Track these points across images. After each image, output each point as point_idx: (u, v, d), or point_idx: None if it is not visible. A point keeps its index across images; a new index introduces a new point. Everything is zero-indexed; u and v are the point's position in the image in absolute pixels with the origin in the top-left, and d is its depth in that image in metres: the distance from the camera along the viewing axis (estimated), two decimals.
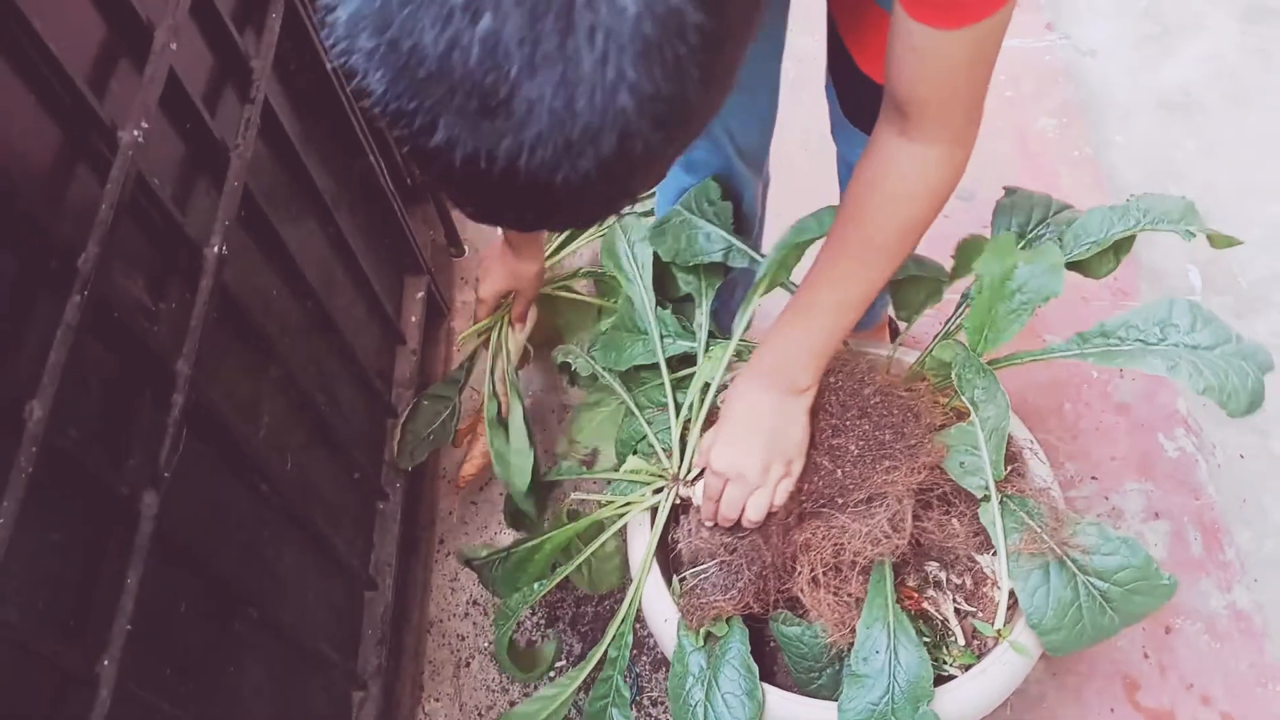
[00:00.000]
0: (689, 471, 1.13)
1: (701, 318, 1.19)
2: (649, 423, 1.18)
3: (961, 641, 1.05)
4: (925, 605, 1.06)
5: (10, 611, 0.71)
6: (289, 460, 1.19)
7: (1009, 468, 1.04)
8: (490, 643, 1.50)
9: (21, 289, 0.78)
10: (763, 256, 1.18)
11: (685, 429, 1.16)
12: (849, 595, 1.01)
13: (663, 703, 1.43)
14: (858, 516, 1.03)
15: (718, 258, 1.18)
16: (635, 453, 1.18)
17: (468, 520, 1.63)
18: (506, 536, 1.60)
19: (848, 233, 0.96)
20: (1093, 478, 1.57)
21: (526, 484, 1.30)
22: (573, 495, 1.24)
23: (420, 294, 1.72)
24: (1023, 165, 1.96)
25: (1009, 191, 1.16)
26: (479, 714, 1.44)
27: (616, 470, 1.19)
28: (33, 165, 0.82)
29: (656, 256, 1.21)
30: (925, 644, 0.99)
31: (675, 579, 1.13)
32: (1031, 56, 2.14)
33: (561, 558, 1.22)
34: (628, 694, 1.10)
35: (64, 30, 0.85)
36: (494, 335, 1.57)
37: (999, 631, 1.02)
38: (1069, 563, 0.96)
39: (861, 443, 1.06)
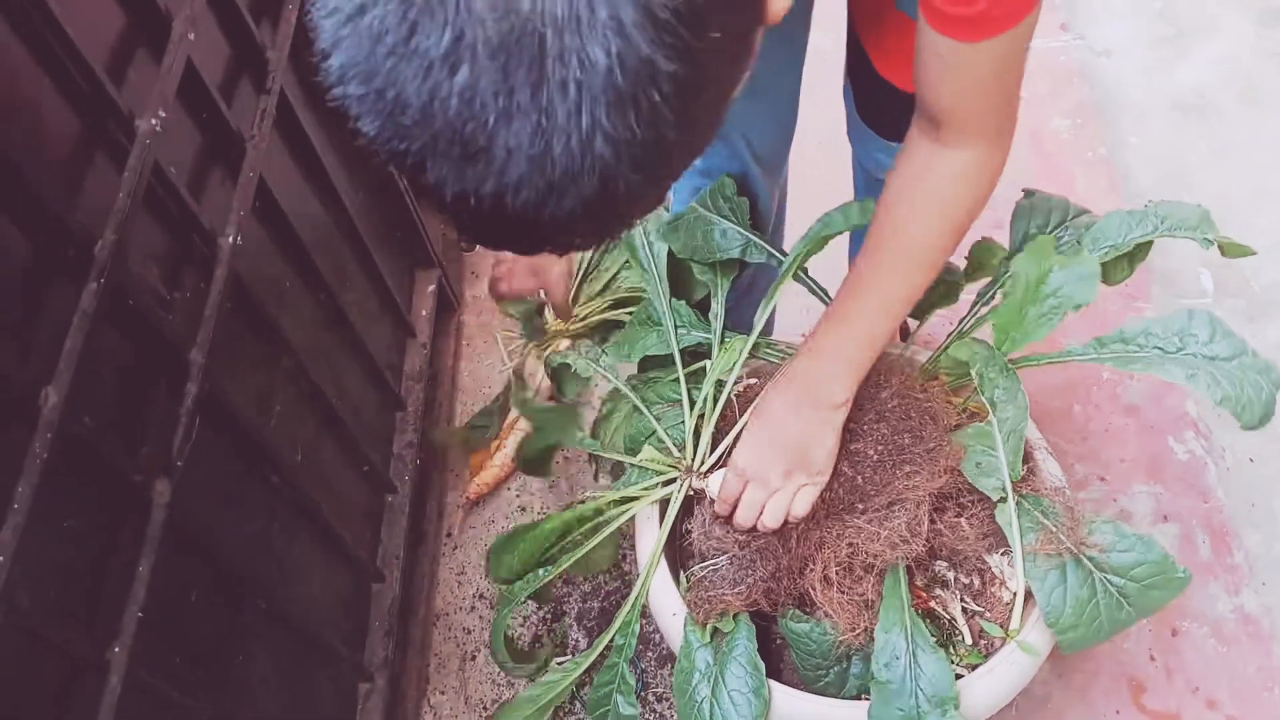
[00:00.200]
0: (703, 464, 1.13)
1: (717, 307, 1.19)
2: (657, 419, 1.18)
3: (969, 641, 1.05)
4: (933, 605, 1.06)
5: (23, 597, 0.72)
6: (299, 451, 1.19)
7: (1023, 468, 1.04)
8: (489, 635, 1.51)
9: (39, 276, 0.78)
10: (782, 253, 1.18)
11: (699, 423, 1.16)
12: (860, 596, 1.01)
13: (668, 698, 1.43)
14: (875, 520, 1.03)
15: (735, 254, 1.18)
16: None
17: (476, 514, 1.64)
18: None
19: (884, 241, 0.95)
20: (1101, 479, 1.57)
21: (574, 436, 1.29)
22: (586, 494, 1.24)
23: (431, 288, 1.73)
24: (1038, 166, 1.95)
25: (1028, 194, 1.16)
26: (484, 707, 1.45)
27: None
28: (51, 153, 0.82)
29: (672, 253, 1.21)
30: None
31: (684, 573, 1.13)
32: (1047, 57, 2.14)
33: (568, 547, 1.21)
34: (633, 681, 1.10)
35: (84, 19, 0.86)
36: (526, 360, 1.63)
37: (1008, 631, 1.02)
38: (1085, 561, 0.96)
39: (881, 447, 1.05)
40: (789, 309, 1.52)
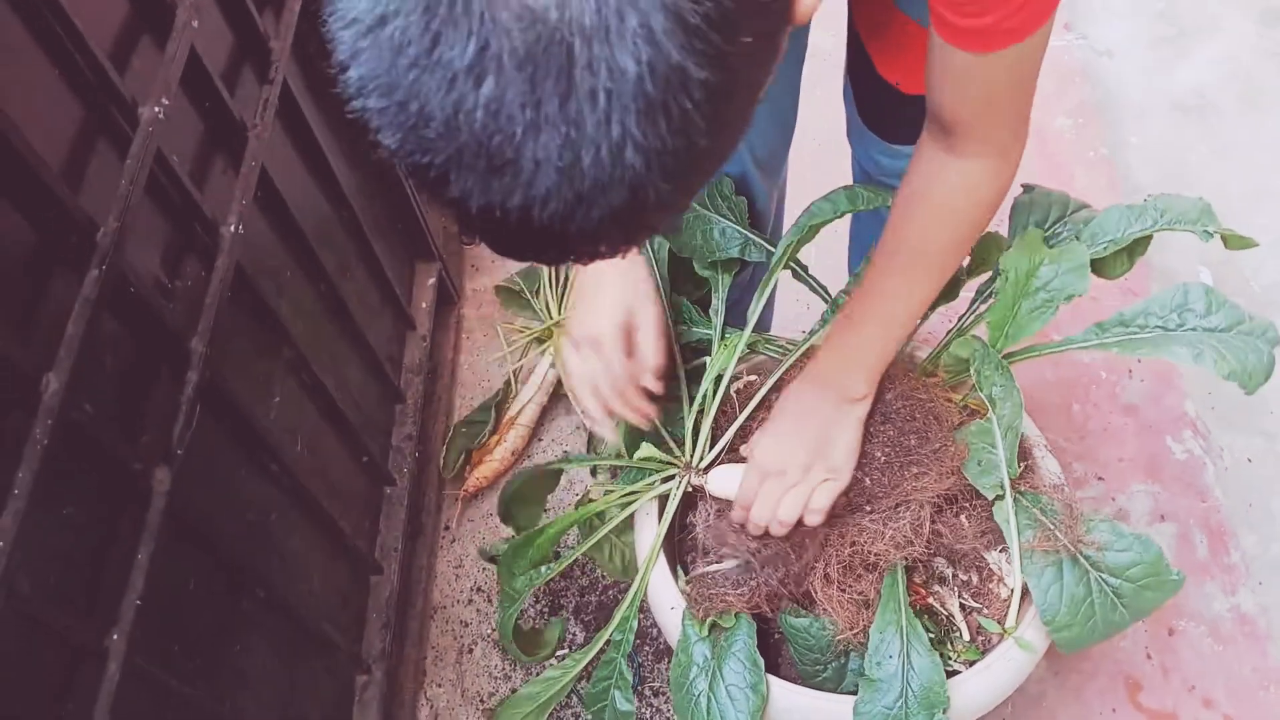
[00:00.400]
0: (702, 460, 1.13)
1: (718, 304, 1.19)
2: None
3: (966, 637, 1.05)
4: (931, 601, 1.06)
5: (23, 583, 0.72)
6: (299, 442, 1.19)
7: (1021, 465, 1.04)
8: (493, 629, 1.51)
9: (41, 263, 0.78)
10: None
11: (698, 419, 1.16)
12: (859, 594, 1.01)
13: (664, 693, 1.43)
14: (880, 520, 1.03)
15: (734, 253, 1.18)
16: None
17: (474, 506, 1.64)
18: None
19: (897, 247, 0.96)
20: (1099, 478, 1.57)
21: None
22: (590, 485, 1.24)
23: (431, 280, 1.73)
24: (1040, 164, 1.95)
25: (1027, 189, 1.16)
26: (481, 700, 1.45)
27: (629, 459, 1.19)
28: (54, 140, 0.82)
29: (672, 250, 1.21)
30: (930, 639, 0.99)
31: (684, 567, 1.13)
32: (1050, 56, 2.11)
33: (570, 543, 1.22)
34: (630, 676, 1.11)
35: (88, 5, 0.86)
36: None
37: (1005, 628, 1.02)
38: (1082, 559, 0.96)
39: (887, 449, 1.05)
40: (787, 305, 1.52)
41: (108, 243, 0.82)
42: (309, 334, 1.23)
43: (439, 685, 1.47)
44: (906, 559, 1.02)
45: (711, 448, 1.13)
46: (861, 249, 1.48)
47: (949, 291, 1.16)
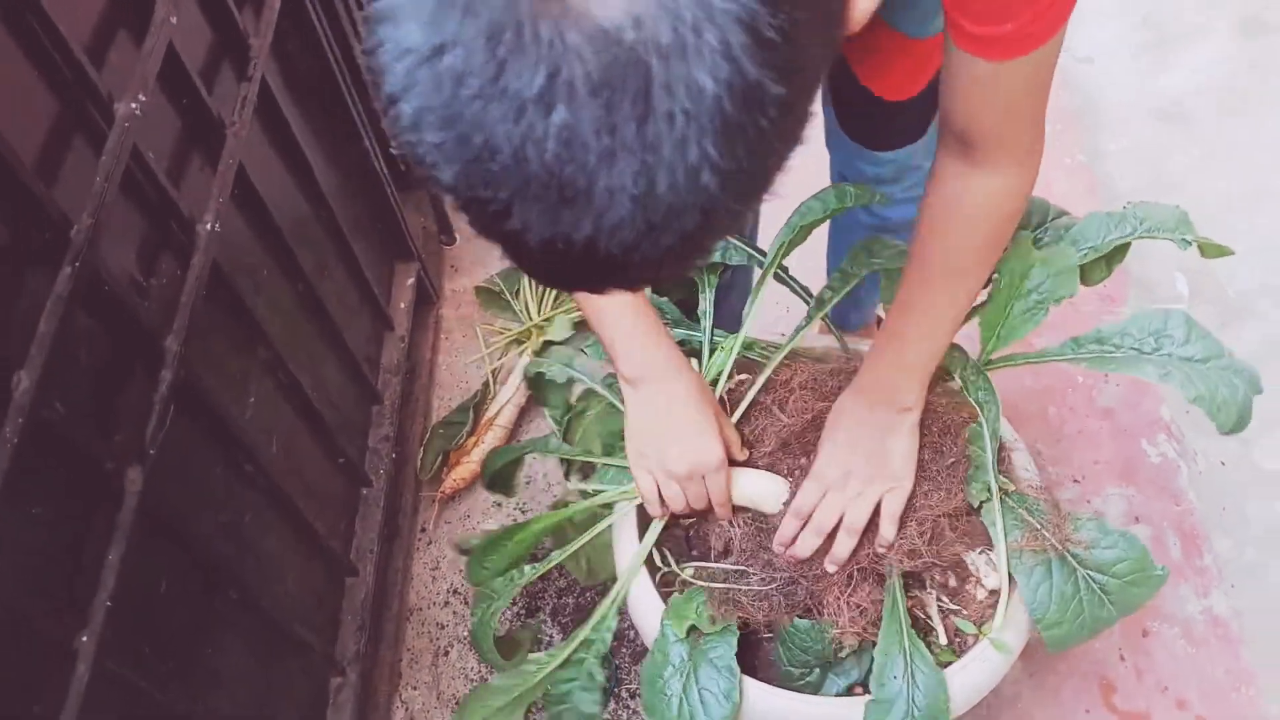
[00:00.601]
0: None
1: (706, 305, 1.19)
2: None
3: (944, 640, 1.05)
4: (910, 605, 1.07)
5: None
6: (274, 442, 1.18)
7: (1003, 468, 1.06)
8: (469, 631, 1.50)
9: (13, 259, 0.77)
10: (761, 252, 1.18)
11: None
12: (856, 605, 1.02)
13: (640, 695, 1.43)
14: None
15: (714, 256, 1.18)
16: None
17: (451, 508, 1.63)
18: (490, 522, 1.60)
19: (932, 263, 0.96)
20: (1075, 481, 1.58)
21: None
22: (568, 485, 1.24)
23: (410, 280, 1.72)
24: None
25: None
26: (456, 702, 1.44)
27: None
28: (29, 135, 0.81)
29: None
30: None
31: (680, 562, 1.13)
32: None
33: (553, 544, 1.21)
34: (600, 678, 1.10)
35: (65, 0, 0.85)
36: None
37: (981, 629, 1.02)
38: (1069, 558, 0.98)
39: None
40: (767, 308, 1.52)
41: (82, 239, 0.81)
42: (286, 334, 1.22)
43: (414, 687, 1.47)
44: (914, 569, 1.04)
45: None
46: (840, 250, 1.48)
47: None
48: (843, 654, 1.04)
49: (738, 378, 1.18)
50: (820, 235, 1.44)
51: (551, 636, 1.49)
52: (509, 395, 1.68)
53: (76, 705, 0.77)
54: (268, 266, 1.22)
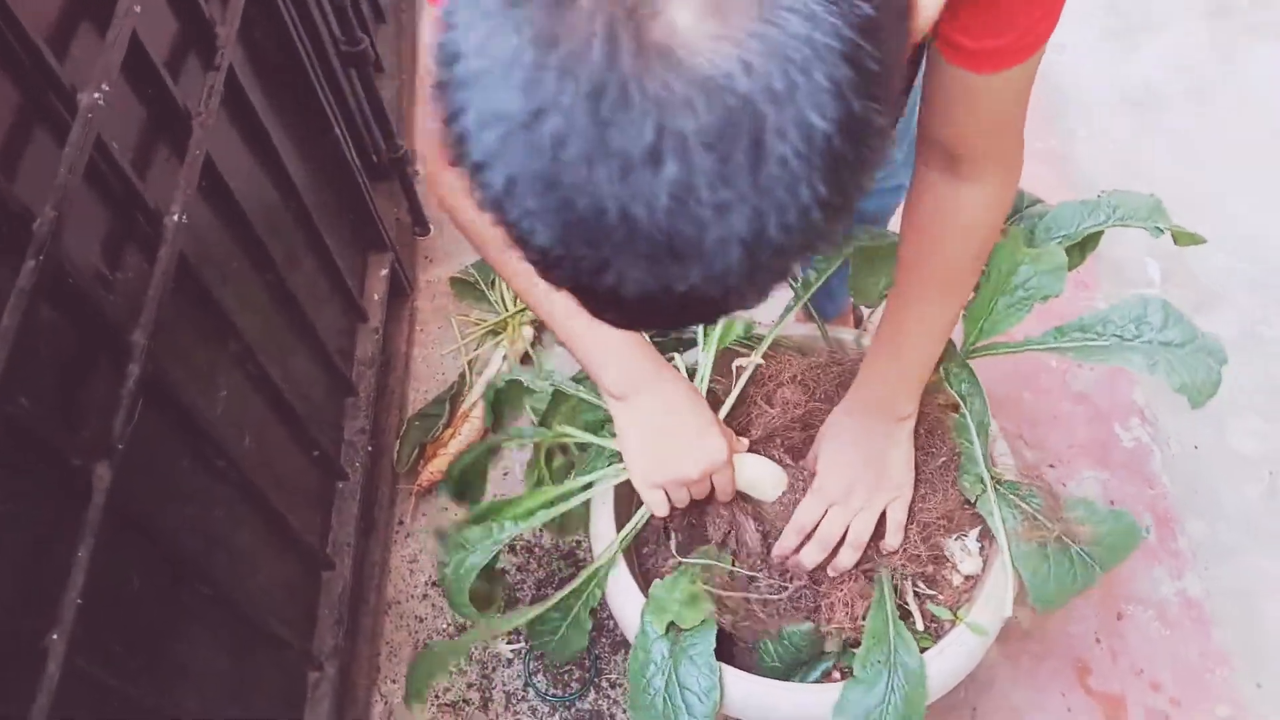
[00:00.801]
0: None
1: None
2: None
3: (920, 625, 1.06)
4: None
5: None
6: (246, 436, 1.17)
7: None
8: (449, 624, 1.49)
9: None
10: None
11: None
12: (846, 603, 1.03)
13: (620, 685, 1.43)
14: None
15: None
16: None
17: (429, 501, 1.62)
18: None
19: (922, 274, 0.97)
20: (1050, 466, 1.60)
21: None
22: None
23: (384, 271, 1.70)
24: None
25: None
26: (436, 696, 1.44)
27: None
28: None
29: None
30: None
31: (639, 556, 1.13)
32: None
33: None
34: (588, 625, 1.09)
35: None
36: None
37: (956, 614, 1.03)
38: (1065, 539, 1.00)
39: None
40: None
41: (45, 232, 0.80)
42: (256, 326, 1.21)
43: (393, 681, 1.46)
44: (901, 565, 1.06)
45: None
46: None
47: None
48: (829, 649, 1.05)
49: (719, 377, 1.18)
50: None
51: None
52: (484, 388, 1.68)
53: (47, 705, 0.76)
54: (237, 258, 1.20)
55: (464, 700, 1.43)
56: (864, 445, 1.04)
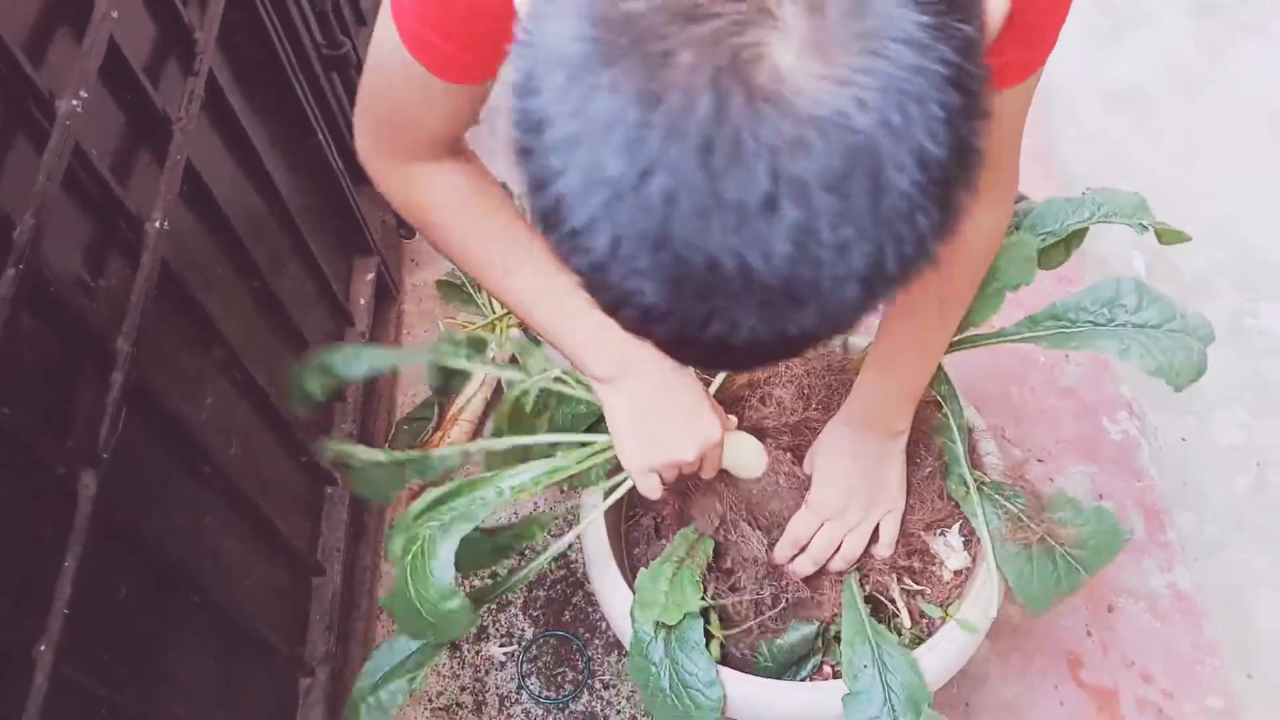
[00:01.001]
0: None
1: None
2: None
3: (908, 622, 1.06)
4: (873, 590, 1.07)
5: None
6: (233, 443, 1.17)
7: (970, 455, 1.07)
8: None
9: None
10: None
11: None
12: (819, 593, 1.03)
13: (614, 685, 1.42)
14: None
15: None
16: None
17: None
18: None
19: (923, 299, 0.96)
20: (1038, 460, 1.60)
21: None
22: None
23: (370, 275, 1.70)
24: None
25: None
26: (429, 700, 1.43)
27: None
28: None
29: None
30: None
31: (630, 558, 1.12)
32: None
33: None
34: (489, 507, 1.00)
35: None
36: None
37: (946, 611, 1.03)
38: (1048, 539, 1.00)
39: None
40: None
41: (25, 240, 0.79)
42: (242, 332, 1.20)
43: None
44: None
45: None
46: None
47: None
48: (813, 654, 1.05)
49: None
50: None
51: (524, 629, 1.48)
52: (474, 389, 1.67)
53: (36, 715, 0.75)
54: (220, 264, 1.20)
55: (457, 704, 1.43)
56: (860, 460, 1.04)
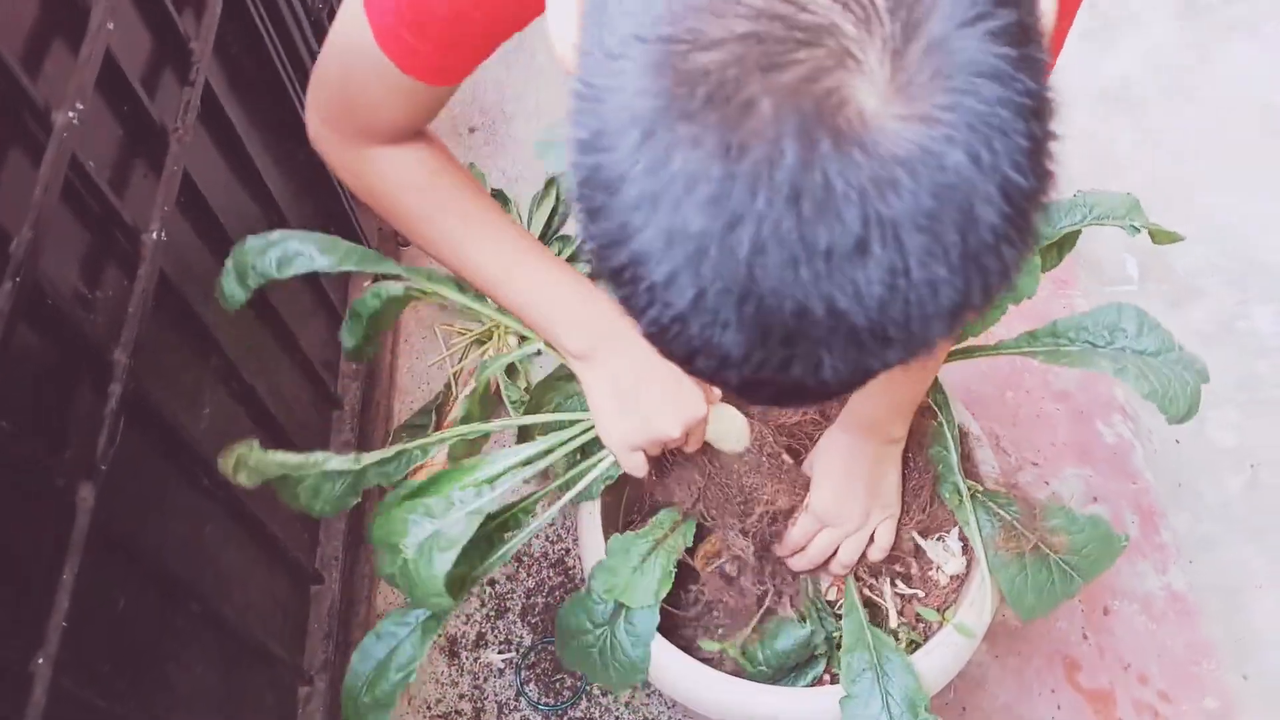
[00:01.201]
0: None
1: None
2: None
3: (894, 622, 1.07)
4: (867, 592, 1.08)
5: None
6: None
7: (966, 464, 1.07)
8: (439, 635, 1.49)
9: None
10: None
11: None
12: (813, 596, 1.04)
13: (613, 692, 1.43)
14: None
15: None
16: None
17: None
18: None
19: None
20: (1033, 464, 1.60)
21: None
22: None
23: (367, 283, 1.70)
24: None
25: None
26: (428, 707, 1.43)
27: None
28: None
29: None
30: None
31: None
32: None
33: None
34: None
35: None
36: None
37: (944, 615, 1.04)
38: (1043, 548, 1.00)
39: None
40: None
41: (22, 253, 0.79)
42: (239, 341, 1.20)
43: None
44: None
45: None
46: None
47: None
48: (818, 651, 1.05)
49: None
50: None
51: (522, 637, 1.48)
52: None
53: None
54: (217, 274, 1.20)
55: (456, 711, 1.43)
56: (858, 466, 1.04)
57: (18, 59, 0.84)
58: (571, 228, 1.82)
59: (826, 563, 1.06)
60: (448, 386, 1.72)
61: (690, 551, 1.07)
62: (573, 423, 1.08)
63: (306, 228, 1.48)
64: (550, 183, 1.84)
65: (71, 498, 0.84)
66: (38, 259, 0.81)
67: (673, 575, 1.01)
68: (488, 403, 1.12)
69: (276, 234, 1.01)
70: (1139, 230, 1.08)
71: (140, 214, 1.00)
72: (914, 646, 1.03)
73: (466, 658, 1.47)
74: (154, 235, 1.00)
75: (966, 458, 1.11)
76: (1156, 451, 1.62)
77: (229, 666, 1.12)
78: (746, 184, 0.38)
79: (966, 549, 1.07)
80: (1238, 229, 1.83)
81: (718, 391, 1.05)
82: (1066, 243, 1.12)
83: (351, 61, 0.76)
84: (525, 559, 1.55)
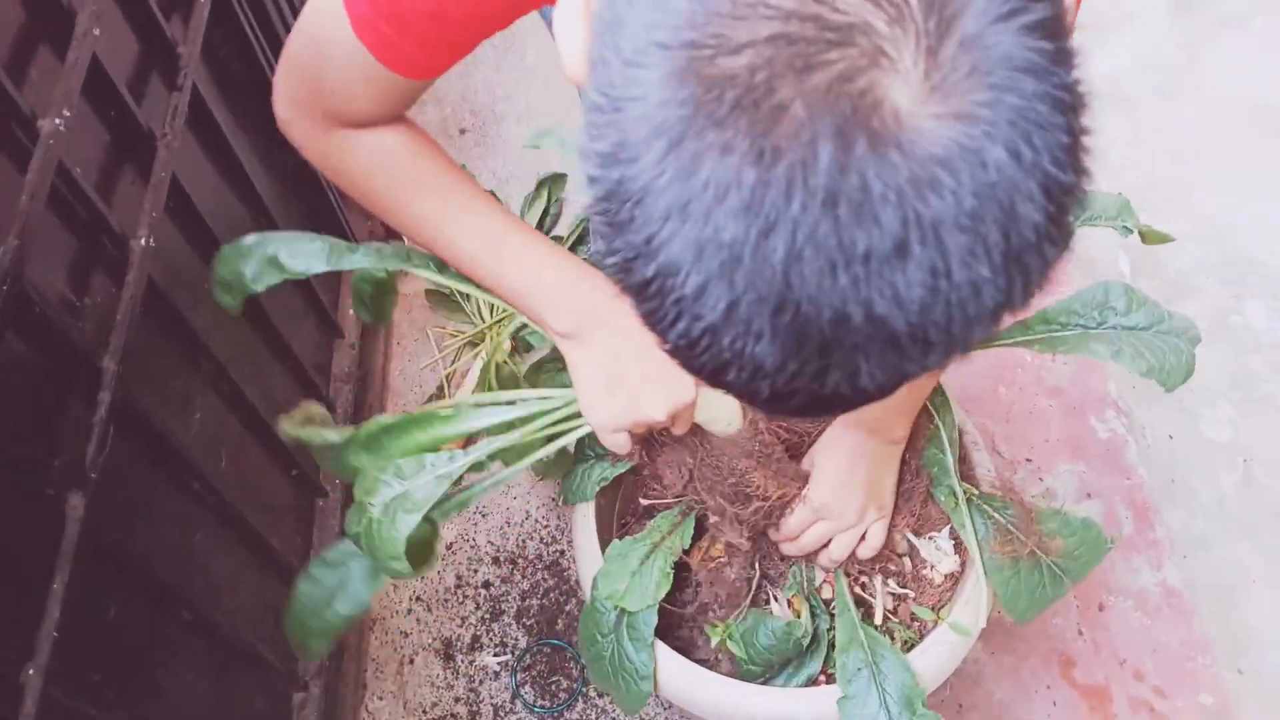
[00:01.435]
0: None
1: None
2: None
3: (880, 619, 1.07)
4: (859, 590, 1.08)
5: None
6: (223, 457, 1.16)
7: (961, 465, 1.07)
8: (435, 638, 1.49)
9: None
10: None
11: None
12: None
13: (608, 694, 1.42)
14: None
15: None
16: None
17: None
18: (451, 530, 1.59)
19: None
20: (1027, 460, 1.61)
21: None
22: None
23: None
24: None
25: None
26: (424, 711, 1.43)
27: None
28: None
29: None
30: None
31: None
32: None
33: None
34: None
35: None
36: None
37: (938, 614, 1.04)
38: (1037, 552, 1.00)
39: None
40: None
41: (9, 261, 0.79)
42: (229, 347, 1.20)
43: (380, 698, 1.45)
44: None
45: None
46: None
47: None
48: (804, 643, 1.05)
49: None
50: None
51: (517, 639, 1.48)
52: (470, 388, 1.67)
53: None
54: (207, 279, 1.19)
55: (451, 715, 1.43)
56: (858, 464, 1.05)
57: (3, 66, 0.84)
58: (564, 229, 1.82)
59: (816, 553, 1.06)
60: (440, 389, 1.72)
61: (688, 551, 1.07)
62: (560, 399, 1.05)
63: (295, 229, 1.48)
64: (542, 184, 1.84)
65: (61, 507, 0.84)
66: (24, 266, 0.80)
67: (671, 576, 1.02)
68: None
69: (251, 238, 1.00)
70: (1130, 231, 1.08)
71: (128, 220, 1.00)
72: (910, 645, 1.03)
73: (462, 661, 1.47)
74: (142, 241, 1.00)
75: (962, 460, 1.11)
76: (1150, 447, 1.62)
77: (221, 673, 1.11)
78: (781, 189, 0.37)
79: (958, 548, 1.07)
80: (1230, 225, 1.84)
81: None
82: None
83: (326, 50, 0.75)
84: (520, 562, 1.55)
